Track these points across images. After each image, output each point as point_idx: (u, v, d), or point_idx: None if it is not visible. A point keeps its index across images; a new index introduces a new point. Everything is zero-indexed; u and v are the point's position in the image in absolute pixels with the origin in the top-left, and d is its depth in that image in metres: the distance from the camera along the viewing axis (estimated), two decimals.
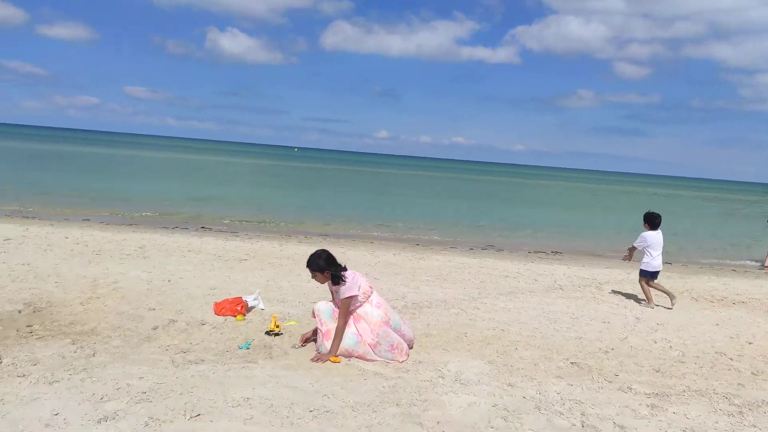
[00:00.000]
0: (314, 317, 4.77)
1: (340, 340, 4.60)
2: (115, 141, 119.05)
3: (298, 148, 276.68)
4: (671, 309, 7.39)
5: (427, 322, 5.92)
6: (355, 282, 4.73)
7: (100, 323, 4.94)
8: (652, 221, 7.53)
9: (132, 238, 9.67)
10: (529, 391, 4.16)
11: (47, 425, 3.00)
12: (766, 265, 12.39)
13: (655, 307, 7.41)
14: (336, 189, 33.42)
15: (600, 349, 5.47)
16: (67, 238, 9.18)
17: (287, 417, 3.39)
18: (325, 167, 69.20)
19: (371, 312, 4.76)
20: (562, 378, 4.52)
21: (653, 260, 7.51)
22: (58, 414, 3.13)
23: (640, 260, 7.71)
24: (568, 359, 5.08)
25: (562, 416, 3.74)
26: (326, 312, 4.75)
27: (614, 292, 8.38)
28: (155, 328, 4.93)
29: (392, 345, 4.69)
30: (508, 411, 3.76)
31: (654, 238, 7.51)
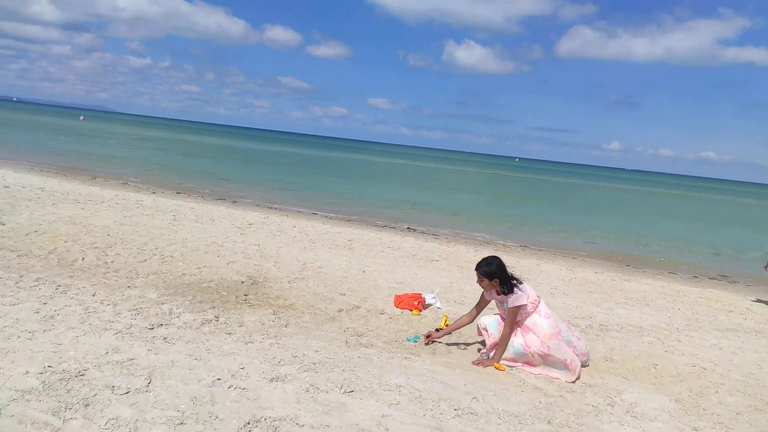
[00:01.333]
0: (480, 334, 4.78)
1: (505, 347, 4.53)
2: (354, 147, 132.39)
3: (519, 158, 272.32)
4: None
5: (611, 345, 5.44)
6: (525, 291, 4.61)
7: (299, 300, 5.67)
8: None
9: (345, 232, 10.76)
10: None
11: (233, 375, 3.62)
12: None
13: None
14: (554, 203, 32.13)
15: None
16: (294, 227, 10.63)
17: (431, 410, 3.50)
18: (545, 179, 66.91)
19: (540, 323, 4.58)
20: None
21: None
22: (244, 368, 3.75)
23: None
24: None
25: None
26: (492, 324, 4.72)
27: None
28: (340, 310, 5.47)
29: (565, 360, 4.45)
30: None
31: None
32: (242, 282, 6.07)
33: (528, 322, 4.62)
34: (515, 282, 4.64)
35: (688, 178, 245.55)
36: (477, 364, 4.49)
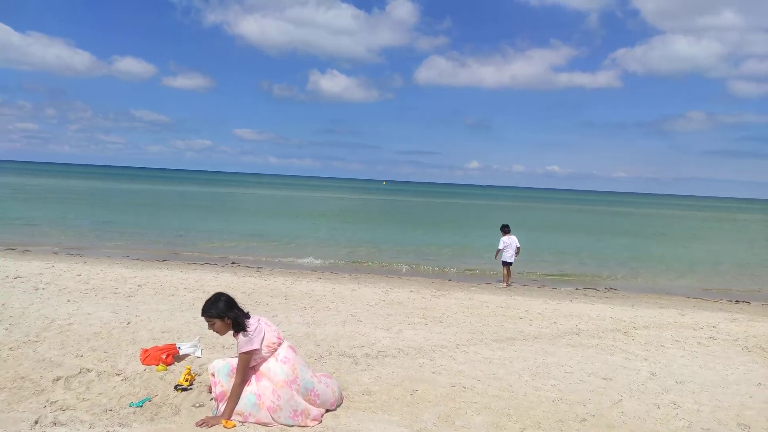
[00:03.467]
0: (211, 377, 4.18)
1: (236, 402, 3.96)
2: (218, 180, 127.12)
3: (386, 181, 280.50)
4: (699, 360, 6.02)
5: (378, 374, 5.12)
6: (257, 333, 4.08)
7: (8, 372, 4.66)
8: None
9: (140, 276, 9.65)
10: None
11: None
12: None
13: (681, 358, 6.08)
14: (402, 224, 32.91)
15: (577, 416, 4.41)
16: (79, 275, 9.32)
17: None
18: (407, 200, 69.16)
19: (275, 369, 4.09)
20: None
21: None
22: None
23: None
24: (524, 429, 4.10)
25: None
26: (223, 370, 4.14)
27: (645, 340, 7.05)
28: (57, 379, 4.56)
29: (295, 411, 3.98)
30: None
31: None
32: None
33: (263, 367, 4.11)
34: (246, 321, 4.10)
35: (536, 190, 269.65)
36: (201, 425, 3.87)
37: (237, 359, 4.13)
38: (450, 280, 12.44)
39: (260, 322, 4.18)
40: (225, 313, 4.05)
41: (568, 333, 7.20)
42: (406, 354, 5.83)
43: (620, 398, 4.84)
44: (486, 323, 7.51)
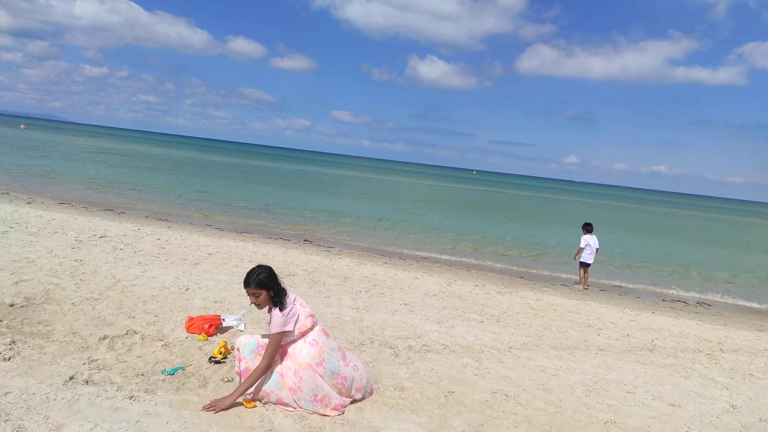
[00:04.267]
0: (237, 351, 4.11)
1: (254, 381, 3.84)
2: (313, 159, 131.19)
3: (477, 171, 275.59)
4: None
5: (416, 370, 4.87)
6: (291, 315, 3.94)
7: (64, 326, 4.88)
8: None
9: (214, 245, 9.98)
10: None
11: None
12: None
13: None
14: (489, 215, 32.10)
15: None
16: (158, 239, 9.80)
17: None
18: (498, 191, 67.50)
19: (300, 350, 3.95)
20: None
21: None
22: None
23: None
24: None
25: None
26: (249, 346, 4.05)
27: (732, 366, 6.23)
28: (104, 338, 4.73)
29: (315, 395, 3.84)
30: None
31: None
32: (11, 305, 5.26)
33: (290, 348, 3.99)
34: (284, 298, 3.97)
35: (640, 191, 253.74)
36: (208, 408, 3.68)
37: (264, 337, 4.05)
38: (521, 277, 11.84)
39: (296, 302, 4.04)
40: (269, 285, 3.91)
41: (641, 348, 6.53)
42: (452, 351, 5.52)
43: (687, 430, 4.26)
44: (548, 328, 6.99)
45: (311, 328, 4.04)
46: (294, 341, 4.00)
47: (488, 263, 13.76)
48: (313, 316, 4.09)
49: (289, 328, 3.91)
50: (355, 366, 4.15)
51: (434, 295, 8.12)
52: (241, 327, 5.40)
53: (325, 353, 4.00)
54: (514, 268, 13.55)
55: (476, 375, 4.94)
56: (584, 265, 11.20)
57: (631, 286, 12.49)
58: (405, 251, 14.21)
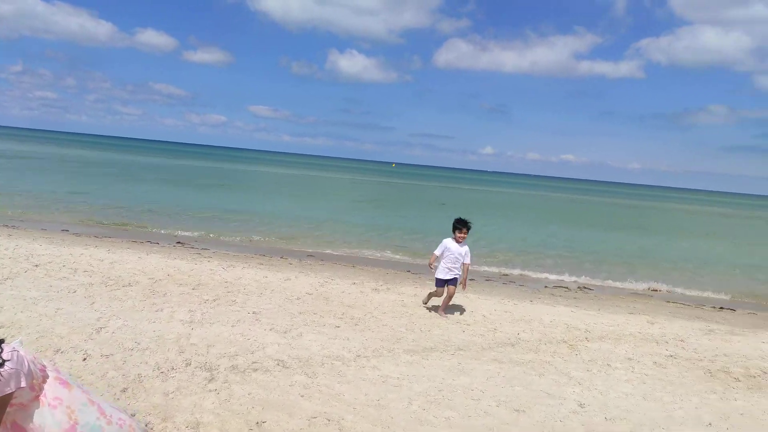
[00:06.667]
0: None
1: None
2: (226, 156, 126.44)
3: (396, 163, 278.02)
4: (646, 387, 4.96)
5: (228, 397, 4.12)
6: (19, 363, 2.84)
7: None
8: None
9: (55, 253, 8.71)
10: None
11: None
12: None
13: (625, 383, 5.02)
14: (409, 208, 31.90)
15: None
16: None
17: None
18: (410, 183, 67.92)
19: (46, 418, 2.90)
20: None
21: None
22: None
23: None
24: None
25: None
26: None
27: (592, 356, 5.99)
28: None
29: None
30: None
31: None
32: None
33: (21, 418, 2.87)
34: None
35: (550, 179, 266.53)
36: None
37: None
38: (409, 270, 11.40)
39: (17, 351, 2.96)
40: None
41: (503, 344, 6.16)
42: (286, 368, 4.83)
43: None
44: (411, 328, 6.48)
45: (44, 379, 3.00)
46: (25, 407, 2.92)
47: (385, 256, 13.33)
48: (41, 363, 3.06)
49: (18, 384, 2.80)
50: (120, 420, 3.22)
51: (297, 299, 7.40)
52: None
53: (76, 413, 2.99)
54: (408, 259, 13.18)
55: (302, 396, 4.27)
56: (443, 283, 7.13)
57: (516, 272, 12.40)
58: (294, 249, 13.45)
